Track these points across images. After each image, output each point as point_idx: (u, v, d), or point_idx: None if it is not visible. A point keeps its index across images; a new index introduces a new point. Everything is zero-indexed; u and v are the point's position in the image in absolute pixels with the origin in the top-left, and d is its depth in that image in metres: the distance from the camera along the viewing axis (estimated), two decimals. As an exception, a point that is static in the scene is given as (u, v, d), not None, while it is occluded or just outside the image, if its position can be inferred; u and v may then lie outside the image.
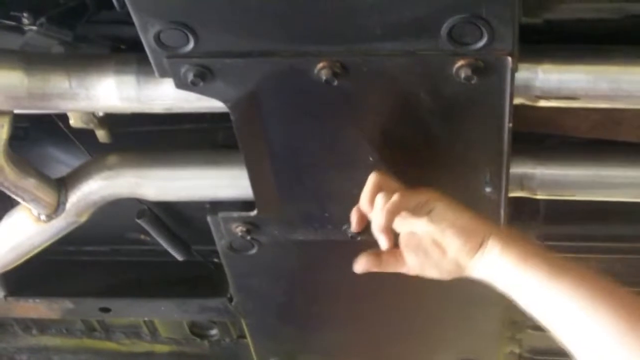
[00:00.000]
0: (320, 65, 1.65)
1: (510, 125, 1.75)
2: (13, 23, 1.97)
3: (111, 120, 2.14)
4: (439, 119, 1.79)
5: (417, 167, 1.90)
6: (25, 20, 1.95)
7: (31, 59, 1.86)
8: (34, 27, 1.95)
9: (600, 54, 1.76)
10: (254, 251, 2.22)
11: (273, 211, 2.06)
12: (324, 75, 1.65)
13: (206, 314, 2.79)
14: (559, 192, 2.05)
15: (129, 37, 1.95)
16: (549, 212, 2.26)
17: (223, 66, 1.68)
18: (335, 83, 1.66)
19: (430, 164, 1.90)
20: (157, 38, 1.62)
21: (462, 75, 1.62)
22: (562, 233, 2.32)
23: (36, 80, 1.84)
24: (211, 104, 1.80)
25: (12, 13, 1.97)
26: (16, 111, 1.95)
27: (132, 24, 1.62)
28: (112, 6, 1.79)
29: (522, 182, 2.03)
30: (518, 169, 2.00)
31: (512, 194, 2.01)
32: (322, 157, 1.91)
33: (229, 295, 2.60)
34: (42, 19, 1.92)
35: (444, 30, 1.55)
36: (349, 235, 2.02)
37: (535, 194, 2.06)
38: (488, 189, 1.91)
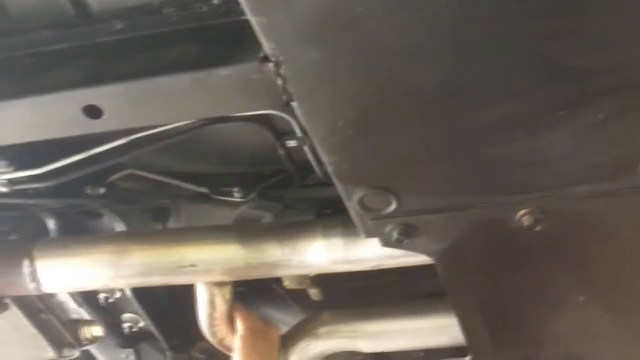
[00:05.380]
0: (522, 212, 1.67)
1: None
2: (226, 199, 2.11)
3: (322, 279, 2.22)
4: (647, 252, 1.76)
5: (630, 301, 1.87)
6: (237, 195, 2.08)
7: (246, 233, 2.00)
8: (245, 201, 2.08)
9: None
10: (472, 396, 2.22)
11: (487, 355, 2.06)
12: (526, 222, 1.67)
13: None
14: None
15: (333, 200, 2.04)
16: None
17: (426, 223, 1.73)
18: (538, 229, 1.68)
19: (642, 296, 1.87)
20: (362, 203, 1.69)
21: (666, 208, 1.61)
22: None
23: (252, 252, 1.96)
24: (416, 258, 1.85)
25: (223, 189, 2.12)
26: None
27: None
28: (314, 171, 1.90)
29: None
30: None
31: None
32: (530, 300, 1.91)
33: None
34: (253, 194, 2.05)
35: (642, 168, 1.55)
36: (567, 374, 2.00)
37: None
38: None
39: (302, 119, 1.53)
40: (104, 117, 1.64)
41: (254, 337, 2.14)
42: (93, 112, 1.63)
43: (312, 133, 1.55)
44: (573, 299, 1.87)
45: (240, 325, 2.14)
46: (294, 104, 1.50)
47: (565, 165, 1.57)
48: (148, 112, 1.66)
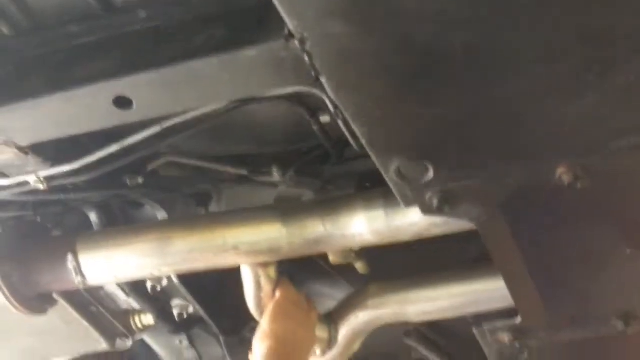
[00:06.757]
0: (561, 170, 1.64)
1: None
2: (265, 179, 2.11)
3: (367, 252, 2.21)
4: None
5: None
6: (275, 174, 2.08)
7: (286, 211, 1.99)
8: (284, 180, 2.07)
9: None
10: (524, 357, 2.20)
11: (536, 316, 2.04)
12: (565, 180, 1.64)
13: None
14: None
15: (371, 172, 2.02)
16: None
17: (465, 188, 1.71)
18: (579, 186, 1.65)
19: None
20: (398, 172, 1.67)
21: None
22: None
23: (294, 229, 1.96)
24: (459, 224, 1.84)
25: (262, 170, 2.12)
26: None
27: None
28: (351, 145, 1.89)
29: None
30: None
31: None
32: (577, 257, 1.88)
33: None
34: (291, 172, 2.05)
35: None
36: (618, 329, 1.97)
37: None
38: None
39: (332, 94, 1.52)
40: (135, 107, 1.65)
41: (288, 304, 2.13)
42: (123, 102, 1.64)
43: (343, 107, 1.54)
44: (619, 255, 1.84)
45: (277, 293, 2.15)
46: (323, 79, 1.49)
47: (604, 121, 1.53)
48: (177, 98, 1.66)
